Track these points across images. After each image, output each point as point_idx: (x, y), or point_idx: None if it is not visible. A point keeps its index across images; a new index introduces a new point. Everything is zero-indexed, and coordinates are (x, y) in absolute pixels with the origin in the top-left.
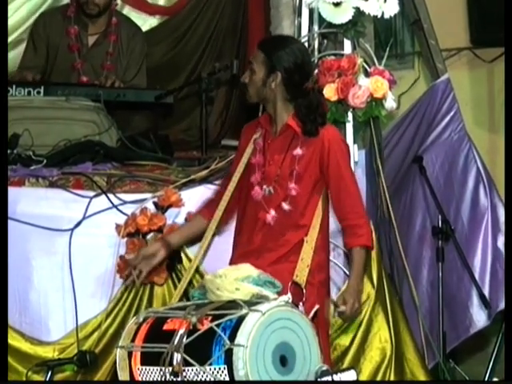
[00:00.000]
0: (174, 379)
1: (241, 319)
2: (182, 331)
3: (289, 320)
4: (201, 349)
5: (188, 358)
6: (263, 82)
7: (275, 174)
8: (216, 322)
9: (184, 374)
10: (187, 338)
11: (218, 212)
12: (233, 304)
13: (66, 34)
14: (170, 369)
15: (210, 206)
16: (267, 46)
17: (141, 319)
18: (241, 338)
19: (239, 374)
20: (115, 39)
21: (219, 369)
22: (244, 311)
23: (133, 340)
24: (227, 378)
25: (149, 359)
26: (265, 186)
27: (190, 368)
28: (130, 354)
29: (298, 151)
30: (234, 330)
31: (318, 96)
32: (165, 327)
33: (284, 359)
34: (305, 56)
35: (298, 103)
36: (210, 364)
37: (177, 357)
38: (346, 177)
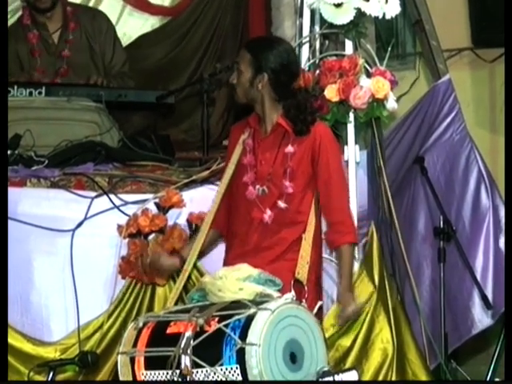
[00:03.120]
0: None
1: (250, 318)
2: (188, 333)
3: (296, 317)
4: (210, 350)
5: (197, 359)
6: (250, 82)
7: (267, 173)
8: (224, 323)
9: (193, 376)
10: (194, 340)
11: (209, 214)
12: (238, 304)
13: (28, 42)
14: (178, 372)
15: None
16: (253, 46)
17: (140, 324)
18: (252, 336)
19: (253, 373)
20: (74, 27)
21: (231, 369)
22: (252, 310)
23: (134, 345)
24: (240, 378)
25: (154, 364)
26: (258, 186)
27: (199, 370)
28: (132, 360)
29: (290, 149)
30: (243, 329)
31: (306, 95)
32: (168, 331)
33: (294, 356)
34: (291, 56)
35: (287, 104)
36: (221, 364)
37: (185, 359)
38: (334, 173)
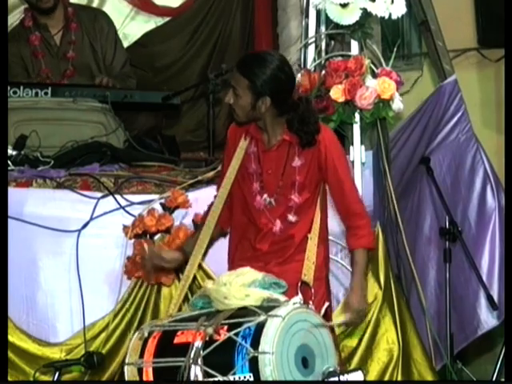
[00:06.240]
0: None
1: (260, 326)
2: (198, 343)
3: (305, 321)
4: (221, 359)
5: (209, 369)
6: (252, 106)
7: (276, 186)
8: (235, 331)
9: None
10: (204, 350)
11: (210, 219)
12: (246, 311)
13: (30, 44)
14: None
15: None
16: (247, 70)
17: (146, 334)
18: (265, 345)
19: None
20: (76, 27)
21: (244, 377)
22: (262, 317)
23: (141, 356)
24: None
25: (162, 374)
26: (265, 196)
27: (210, 380)
28: (139, 371)
29: (297, 162)
30: (254, 337)
31: (307, 105)
32: (176, 341)
33: (305, 361)
34: (286, 70)
35: (290, 118)
36: (234, 374)
37: (195, 369)
38: (344, 179)
